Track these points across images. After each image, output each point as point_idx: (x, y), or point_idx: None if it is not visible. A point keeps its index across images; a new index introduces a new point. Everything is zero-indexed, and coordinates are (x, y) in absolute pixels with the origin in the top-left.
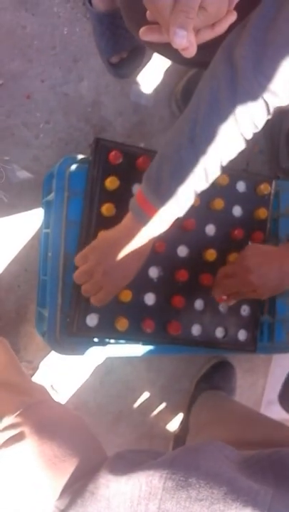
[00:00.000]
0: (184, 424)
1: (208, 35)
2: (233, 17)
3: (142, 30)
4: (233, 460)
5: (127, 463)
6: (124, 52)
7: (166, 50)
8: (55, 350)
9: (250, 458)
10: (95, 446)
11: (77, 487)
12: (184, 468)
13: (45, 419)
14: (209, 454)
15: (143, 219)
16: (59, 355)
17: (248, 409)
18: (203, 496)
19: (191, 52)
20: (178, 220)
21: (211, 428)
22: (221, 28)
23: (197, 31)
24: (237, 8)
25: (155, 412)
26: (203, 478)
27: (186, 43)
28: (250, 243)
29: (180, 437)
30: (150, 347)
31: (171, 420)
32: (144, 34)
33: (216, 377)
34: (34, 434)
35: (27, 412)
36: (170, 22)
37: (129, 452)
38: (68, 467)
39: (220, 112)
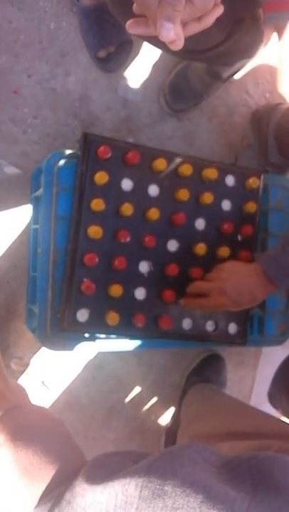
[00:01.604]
0: (176, 417)
1: (195, 28)
2: (219, 10)
3: (128, 23)
4: (213, 463)
5: (103, 470)
6: (111, 46)
7: (155, 40)
8: (46, 346)
9: (230, 461)
10: (74, 451)
11: (55, 494)
12: (160, 476)
13: (21, 425)
14: (187, 459)
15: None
16: (50, 351)
17: (237, 401)
18: (179, 504)
19: (178, 45)
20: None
21: (201, 421)
22: (208, 20)
23: (184, 24)
24: (223, 1)
25: (147, 406)
26: (180, 486)
27: (173, 35)
28: (239, 237)
29: (172, 431)
30: (141, 341)
31: (162, 414)
32: (131, 27)
33: (207, 371)
34: (9, 441)
35: (3, 418)
36: (157, 15)
37: (107, 457)
38: (45, 475)
39: None
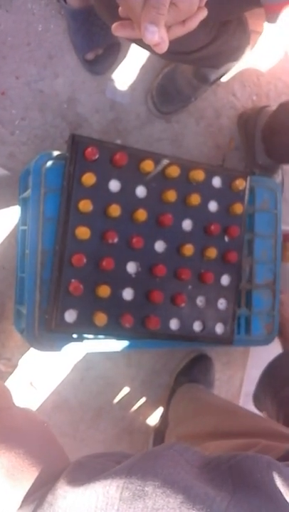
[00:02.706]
0: (164, 417)
1: (179, 31)
2: (203, 13)
3: (114, 26)
4: (195, 463)
5: (85, 472)
6: (99, 48)
7: (142, 42)
8: (34, 347)
9: (211, 461)
10: (57, 454)
11: (37, 496)
12: (141, 477)
13: (4, 427)
14: (168, 460)
15: None
16: (38, 351)
17: (224, 401)
18: (160, 505)
19: (162, 48)
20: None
21: (188, 421)
22: (192, 24)
23: (168, 27)
24: (207, 4)
25: (135, 407)
26: (160, 486)
27: (158, 38)
28: (226, 238)
29: (160, 431)
30: (129, 342)
31: (151, 415)
32: (117, 30)
33: (195, 371)
34: None
35: None
36: (141, 18)
37: (90, 459)
38: (28, 477)
39: None
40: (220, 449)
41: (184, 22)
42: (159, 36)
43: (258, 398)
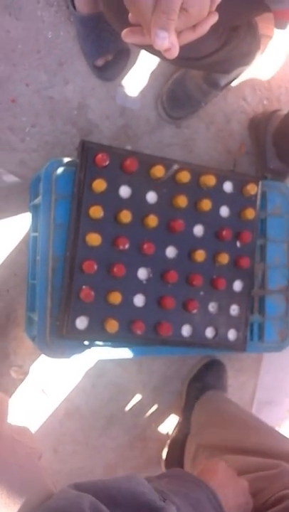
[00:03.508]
0: (181, 425)
1: (190, 37)
2: (214, 18)
3: (124, 32)
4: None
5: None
6: (109, 55)
7: (152, 48)
8: (46, 354)
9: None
10: (40, 487)
11: None
12: None
13: None
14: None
15: None
16: (49, 358)
17: (249, 415)
18: None
19: (172, 53)
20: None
21: (210, 430)
22: (203, 29)
23: (179, 32)
24: (219, 9)
25: (147, 414)
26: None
27: (168, 44)
28: (238, 243)
29: (176, 440)
30: (141, 348)
31: (163, 422)
32: (126, 36)
33: (208, 377)
34: None
35: None
36: (151, 23)
37: (74, 488)
38: (5, 510)
39: None
40: (237, 464)
41: (194, 27)
42: (170, 42)
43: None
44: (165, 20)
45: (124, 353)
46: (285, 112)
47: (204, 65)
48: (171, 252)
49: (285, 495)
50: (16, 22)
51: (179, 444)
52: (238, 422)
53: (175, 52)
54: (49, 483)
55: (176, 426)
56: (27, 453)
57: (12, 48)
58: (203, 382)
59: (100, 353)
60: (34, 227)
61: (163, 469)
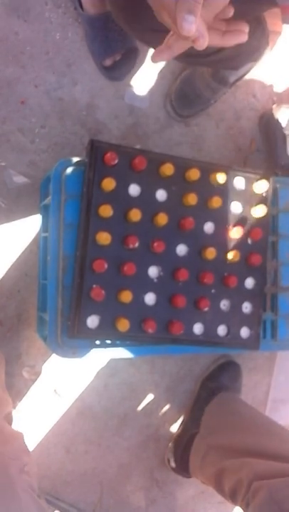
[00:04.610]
0: (186, 423)
1: (216, 41)
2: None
3: (152, 55)
4: None
5: None
6: (117, 54)
7: (180, 55)
8: (57, 354)
9: None
10: (10, 496)
11: None
12: None
13: None
14: None
15: None
16: (61, 358)
17: (267, 419)
18: None
19: (202, 44)
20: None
21: (224, 433)
22: (230, 42)
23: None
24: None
25: (160, 414)
26: None
27: (195, 29)
28: (249, 240)
29: (180, 438)
30: (152, 347)
31: (176, 421)
32: (156, 58)
33: (223, 377)
34: None
35: None
36: (177, 10)
37: None
38: None
39: None
40: (259, 467)
41: (223, 34)
42: (196, 29)
43: None
44: (192, 3)
45: (136, 351)
46: None
47: (213, 62)
48: (181, 250)
49: None
50: (25, 24)
51: (183, 443)
52: (259, 425)
53: (204, 43)
54: (22, 495)
55: (180, 424)
56: (6, 473)
57: (21, 49)
58: (217, 383)
59: (112, 352)
60: (44, 227)
61: (169, 466)
